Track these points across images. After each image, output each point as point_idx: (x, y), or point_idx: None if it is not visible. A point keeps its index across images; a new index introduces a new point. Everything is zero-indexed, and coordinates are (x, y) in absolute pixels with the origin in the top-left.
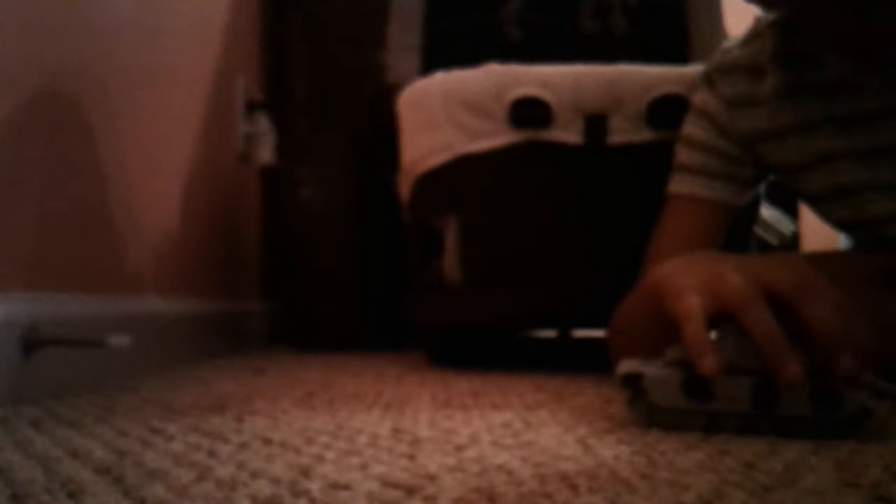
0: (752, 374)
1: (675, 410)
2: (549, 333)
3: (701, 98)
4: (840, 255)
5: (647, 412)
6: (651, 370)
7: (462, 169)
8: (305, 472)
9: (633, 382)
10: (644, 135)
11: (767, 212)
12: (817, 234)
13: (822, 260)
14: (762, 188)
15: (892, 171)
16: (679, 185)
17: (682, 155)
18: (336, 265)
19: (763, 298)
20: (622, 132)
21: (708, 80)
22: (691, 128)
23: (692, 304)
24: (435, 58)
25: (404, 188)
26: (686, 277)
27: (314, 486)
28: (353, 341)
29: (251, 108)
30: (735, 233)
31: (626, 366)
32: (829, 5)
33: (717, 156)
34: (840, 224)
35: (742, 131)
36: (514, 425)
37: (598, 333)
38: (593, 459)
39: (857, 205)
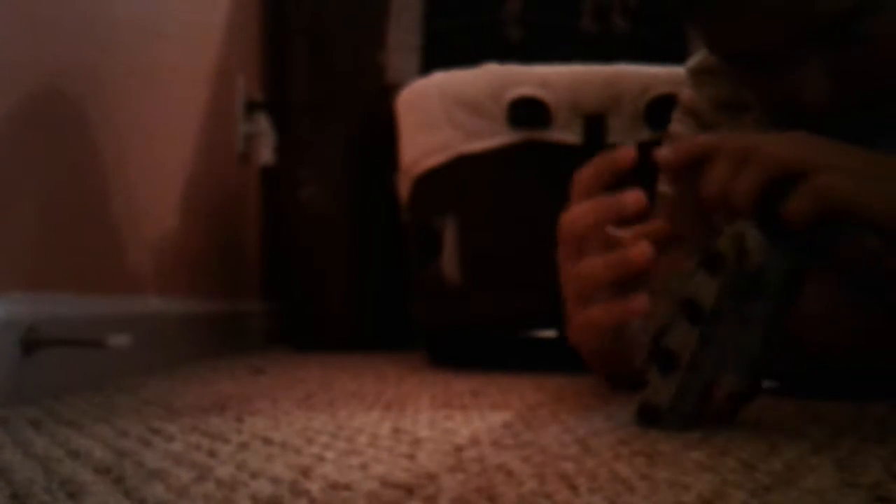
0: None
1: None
2: (549, 333)
3: (687, 95)
4: None
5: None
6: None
7: (461, 169)
8: (305, 472)
9: (649, 415)
10: (643, 134)
11: None
12: None
13: None
14: None
15: None
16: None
17: None
18: (336, 265)
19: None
20: (621, 132)
21: (693, 78)
22: (679, 125)
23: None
24: (435, 58)
25: (403, 188)
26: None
27: (314, 486)
28: (353, 341)
29: (251, 108)
30: None
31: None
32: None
33: None
34: None
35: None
36: (514, 425)
37: None
38: (593, 459)
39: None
